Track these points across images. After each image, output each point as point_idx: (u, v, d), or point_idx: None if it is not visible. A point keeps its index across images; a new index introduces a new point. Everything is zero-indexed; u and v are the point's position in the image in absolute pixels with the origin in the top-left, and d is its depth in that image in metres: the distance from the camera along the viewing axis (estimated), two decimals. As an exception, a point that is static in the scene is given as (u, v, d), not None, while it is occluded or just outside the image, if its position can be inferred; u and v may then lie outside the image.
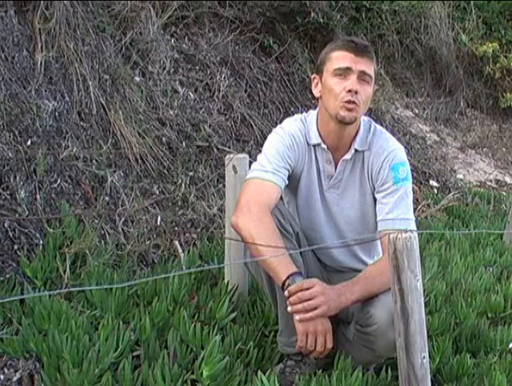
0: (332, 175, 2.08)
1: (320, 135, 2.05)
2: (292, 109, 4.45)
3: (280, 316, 2.04)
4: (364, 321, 1.90)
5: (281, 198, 2.08)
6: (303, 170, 2.09)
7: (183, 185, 3.33)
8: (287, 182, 2.04)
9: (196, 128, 3.69)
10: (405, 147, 2.62)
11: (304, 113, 2.13)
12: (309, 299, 1.79)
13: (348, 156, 2.04)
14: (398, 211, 1.98)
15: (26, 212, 2.55)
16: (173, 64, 3.90)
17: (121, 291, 2.29)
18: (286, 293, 1.81)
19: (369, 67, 1.94)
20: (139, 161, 3.23)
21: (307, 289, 1.79)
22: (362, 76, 1.93)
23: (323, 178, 2.09)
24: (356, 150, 2.04)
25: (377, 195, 2.04)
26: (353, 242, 2.16)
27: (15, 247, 2.46)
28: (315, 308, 1.79)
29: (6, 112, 2.68)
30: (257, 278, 2.09)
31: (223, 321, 2.25)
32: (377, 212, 2.03)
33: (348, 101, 1.92)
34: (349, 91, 1.91)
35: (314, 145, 2.07)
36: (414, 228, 2.00)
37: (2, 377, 1.91)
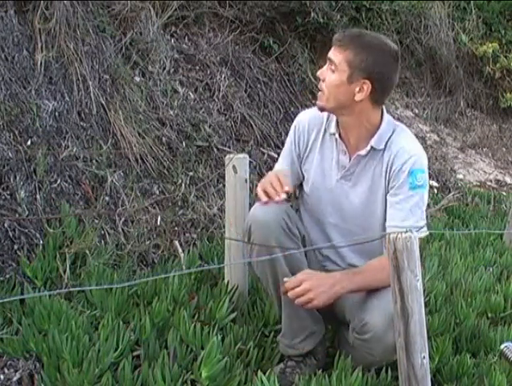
0: (345, 166, 2.08)
1: (337, 125, 2.08)
2: (292, 109, 4.44)
3: (284, 318, 2.04)
4: (359, 329, 1.91)
5: (289, 200, 2.09)
6: (316, 155, 2.13)
7: (183, 185, 3.32)
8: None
9: (196, 128, 3.68)
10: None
11: None
12: (302, 294, 1.86)
13: (363, 152, 2.04)
14: (413, 219, 1.96)
15: (26, 212, 2.55)
16: (173, 64, 3.89)
17: (121, 291, 2.29)
18: (282, 289, 1.92)
19: (336, 55, 1.95)
20: (139, 161, 3.23)
21: (299, 285, 1.87)
22: (329, 64, 1.97)
23: (337, 167, 2.10)
24: (372, 148, 2.03)
25: (390, 197, 2.02)
26: (358, 240, 2.15)
27: (15, 247, 2.46)
28: (308, 303, 1.87)
29: (6, 112, 2.68)
30: (262, 279, 2.09)
31: (223, 321, 2.25)
32: (389, 216, 2.01)
33: (318, 88, 2.03)
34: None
35: (333, 134, 2.09)
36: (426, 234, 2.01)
37: (2, 377, 1.91)
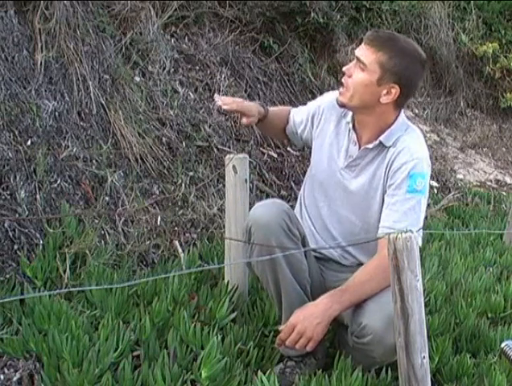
0: (352, 156, 2.09)
1: (353, 117, 2.09)
2: (292, 109, 4.44)
3: (284, 318, 2.04)
4: (358, 332, 1.90)
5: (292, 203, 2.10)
6: (326, 138, 2.15)
7: (183, 185, 3.32)
8: (301, 129, 2.26)
9: (196, 128, 3.68)
10: (405, 147, 2.60)
11: None
12: (299, 338, 1.87)
13: (370, 145, 2.04)
14: (406, 223, 1.93)
15: (26, 212, 2.55)
16: (173, 64, 3.89)
17: (121, 291, 2.29)
18: (276, 344, 1.97)
19: (366, 54, 1.94)
20: (139, 161, 3.23)
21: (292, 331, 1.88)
22: (358, 62, 1.96)
23: (345, 155, 2.11)
24: (381, 143, 2.03)
25: (387, 198, 2.02)
26: (353, 241, 2.15)
27: (15, 247, 2.46)
28: (308, 342, 1.87)
29: (6, 112, 2.68)
30: (262, 280, 2.09)
31: (223, 321, 2.25)
32: (383, 216, 2.00)
33: (341, 83, 2.02)
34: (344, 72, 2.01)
35: (348, 123, 2.10)
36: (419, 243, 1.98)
37: (2, 377, 1.91)
